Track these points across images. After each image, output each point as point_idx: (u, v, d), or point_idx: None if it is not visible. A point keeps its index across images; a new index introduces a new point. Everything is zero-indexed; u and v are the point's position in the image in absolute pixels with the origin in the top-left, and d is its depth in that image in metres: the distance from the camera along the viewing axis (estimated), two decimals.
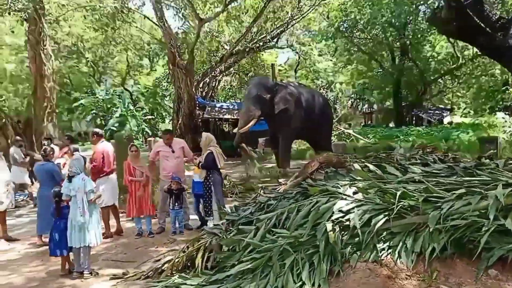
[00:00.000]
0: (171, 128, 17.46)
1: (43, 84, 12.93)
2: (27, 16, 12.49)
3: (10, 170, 9.88)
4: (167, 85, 24.74)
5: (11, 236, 6.95)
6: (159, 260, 5.30)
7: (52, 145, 9.98)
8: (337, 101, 29.32)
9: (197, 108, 18.02)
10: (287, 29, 19.47)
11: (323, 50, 27.04)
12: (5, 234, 6.86)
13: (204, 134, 6.63)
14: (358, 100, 34.57)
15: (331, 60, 29.67)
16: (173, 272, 4.64)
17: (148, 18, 19.26)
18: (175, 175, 6.72)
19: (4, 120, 12.60)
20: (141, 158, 6.81)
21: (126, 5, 15.89)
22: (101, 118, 27.62)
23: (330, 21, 23.11)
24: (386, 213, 3.77)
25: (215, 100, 20.93)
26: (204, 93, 20.01)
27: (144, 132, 24.61)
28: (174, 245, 6.04)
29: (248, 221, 4.61)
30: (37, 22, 12.36)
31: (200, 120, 18.29)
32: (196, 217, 6.91)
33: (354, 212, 3.85)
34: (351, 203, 3.96)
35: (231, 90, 25.41)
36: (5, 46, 23.07)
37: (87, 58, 26.12)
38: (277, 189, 5.07)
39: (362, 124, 30.72)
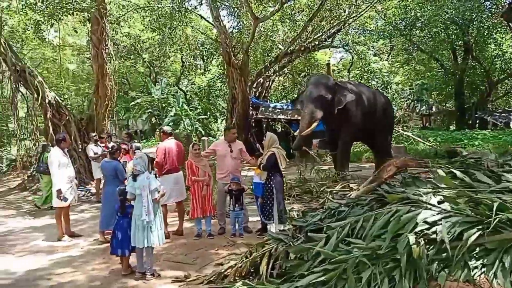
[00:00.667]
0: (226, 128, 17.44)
1: (104, 83, 13.26)
2: (89, 16, 12.88)
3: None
4: (221, 85, 24.87)
5: (74, 231, 7.09)
6: (220, 263, 5.16)
7: (111, 143, 10.32)
8: (393, 102, 28.10)
9: (251, 108, 17.90)
10: (343, 28, 18.89)
11: (381, 49, 26.07)
12: (68, 229, 7.00)
13: (268, 134, 6.41)
14: (415, 102, 33.09)
15: (386, 60, 28.57)
16: (237, 278, 4.45)
17: (203, 18, 19.48)
18: (234, 176, 6.56)
19: (67, 117, 13.04)
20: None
21: (183, 6, 16.06)
22: (156, 117, 28.32)
23: (387, 19, 22.22)
24: (480, 227, 3.36)
25: (268, 100, 20.75)
26: (257, 93, 19.89)
27: (197, 132, 24.88)
28: (234, 248, 5.88)
29: (317, 228, 4.32)
30: (100, 22, 12.66)
31: (253, 120, 18.17)
32: (256, 218, 6.71)
33: (441, 224, 3.45)
34: (438, 214, 3.56)
35: (284, 90, 25.11)
36: (68, 47, 24.25)
37: (144, 58, 26.85)
38: (348, 194, 4.73)
39: (419, 126, 29.33)
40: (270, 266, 4.32)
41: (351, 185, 6.21)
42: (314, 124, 9.45)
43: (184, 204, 7.10)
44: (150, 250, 4.86)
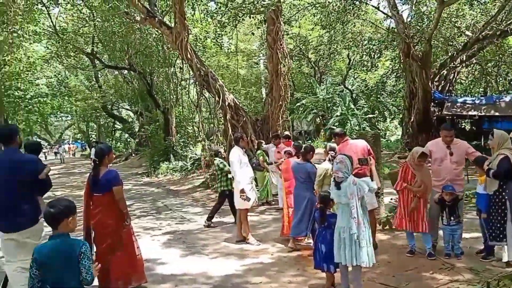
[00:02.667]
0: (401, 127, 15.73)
1: (279, 83, 13.16)
2: (265, 17, 12.95)
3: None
4: (395, 81, 22.98)
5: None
6: None
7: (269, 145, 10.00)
8: None
9: (432, 104, 15.85)
10: None
11: None
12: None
13: (497, 132, 4.99)
14: None
15: None
16: None
17: (378, 8, 18.13)
18: (449, 184, 5.29)
19: (244, 119, 13.37)
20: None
21: None
22: (321, 117, 27.86)
23: None
24: None
25: (452, 95, 18.20)
26: (440, 87, 17.59)
27: (365, 132, 23.54)
28: (453, 273, 4.69)
29: None
30: (275, 22, 12.61)
31: (435, 117, 16.06)
32: (469, 235, 5.37)
33: None
34: None
35: (472, 82, 21.88)
36: (240, 52, 25.65)
37: (310, 58, 26.69)
38: None
39: None
40: None
41: None
42: None
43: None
44: (358, 269, 4.07)
